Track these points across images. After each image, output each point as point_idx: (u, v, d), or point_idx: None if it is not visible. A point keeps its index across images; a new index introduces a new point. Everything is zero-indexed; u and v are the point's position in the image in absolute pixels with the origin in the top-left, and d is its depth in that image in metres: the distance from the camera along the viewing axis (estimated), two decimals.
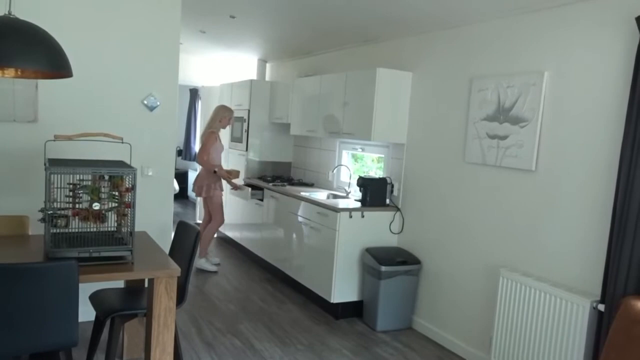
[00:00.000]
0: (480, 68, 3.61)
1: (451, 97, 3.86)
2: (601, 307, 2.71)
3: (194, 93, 9.37)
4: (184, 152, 9.59)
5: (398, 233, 4.34)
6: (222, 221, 5.52)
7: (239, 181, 5.84)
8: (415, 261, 4.06)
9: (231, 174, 5.44)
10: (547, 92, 3.11)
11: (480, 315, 3.56)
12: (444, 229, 3.89)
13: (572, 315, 2.81)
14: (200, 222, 6.75)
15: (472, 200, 3.65)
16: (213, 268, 5.37)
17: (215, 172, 5.34)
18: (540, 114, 3.13)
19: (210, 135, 5.34)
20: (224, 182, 5.53)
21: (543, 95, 3.11)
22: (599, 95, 2.83)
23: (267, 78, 6.94)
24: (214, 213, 5.44)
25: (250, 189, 5.56)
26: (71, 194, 2.50)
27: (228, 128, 6.01)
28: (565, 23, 3.02)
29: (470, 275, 3.66)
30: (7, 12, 2.42)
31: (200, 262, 5.36)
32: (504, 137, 3.34)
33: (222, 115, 5.42)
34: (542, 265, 3.13)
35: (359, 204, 4.33)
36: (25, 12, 2.56)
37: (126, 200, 2.57)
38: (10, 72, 2.65)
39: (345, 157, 5.28)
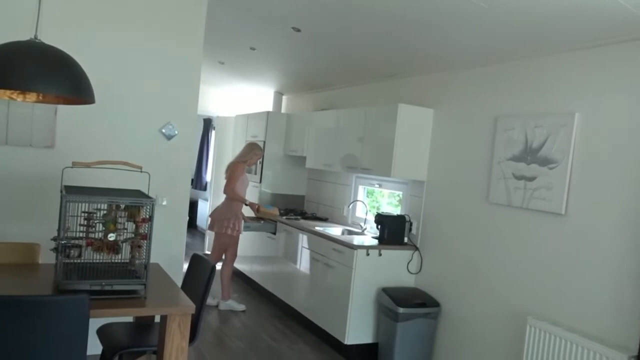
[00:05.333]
0: (506, 107, 3.53)
1: (474, 135, 3.78)
2: None
3: (208, 123, 9.38)
4: (195, 182, 9.54)
5: (416, 273, 4.19)
6: (235, 257, 5.21)
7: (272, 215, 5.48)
8: (434, 304, 3.90)
9: (259, 207, 5.30)
10: (577, 133, 3.02)
11: None
12: (466, 271, 3.75)
13: None
14: (208, 252, 6.54)
15: (496, 242, 3.52)
16: (241, 307, 5.08)
17: (246, 204, 5.09)
18: (570, 156, 3.03)
19: (239, 165, 5.10)
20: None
21: (574, 136, 3.02)
22: (632, 138, 2.73)
23: (283, 110, 6.92)
24: (233, 249, 5.09)
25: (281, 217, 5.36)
26: (86, 222, 2.41)
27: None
28: (597, 64, 2.95)
29: (494, 321, 3.49)
30: (33, 37, 2.39)
31: (227, 304, 5.06)
32: (532, 179, 3.24)
33: (255, 153, 5.20)
34: (572, 314, 2.97)
35: (375, 241, 4.20)
36: (50, 37, 2.52)
37: (142, 231, 2.48)
38: (31, 96, 2.60)
39: (361, 192, 5.18)
